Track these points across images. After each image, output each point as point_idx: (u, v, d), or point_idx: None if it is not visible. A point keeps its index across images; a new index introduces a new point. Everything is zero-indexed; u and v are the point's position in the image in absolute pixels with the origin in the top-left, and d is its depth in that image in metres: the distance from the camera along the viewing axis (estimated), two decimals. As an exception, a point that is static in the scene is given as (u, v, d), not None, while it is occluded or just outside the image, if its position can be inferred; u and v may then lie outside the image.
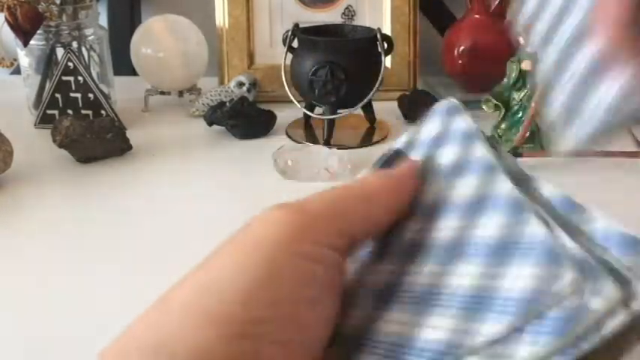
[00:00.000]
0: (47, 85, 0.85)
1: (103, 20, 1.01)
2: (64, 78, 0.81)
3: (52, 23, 0.84)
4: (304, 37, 0.79)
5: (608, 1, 0.32)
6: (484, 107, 0.78)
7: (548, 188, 0.28)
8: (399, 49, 0.93)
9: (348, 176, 0.70)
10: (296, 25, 0.81)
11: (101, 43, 0.89)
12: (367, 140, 0.82)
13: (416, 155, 0.32)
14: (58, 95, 0.82)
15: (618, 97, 0.33)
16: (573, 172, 0.72)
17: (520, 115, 0.76)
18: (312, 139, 0.81)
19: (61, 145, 0.72)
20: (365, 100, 0.78)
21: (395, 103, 0.89)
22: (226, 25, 0.94)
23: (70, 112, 0.82)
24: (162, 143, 0.80)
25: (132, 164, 0.74)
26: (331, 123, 0.80)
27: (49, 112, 0.83)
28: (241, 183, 0.71)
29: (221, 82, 0.95)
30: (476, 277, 0.25)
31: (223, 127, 0.81)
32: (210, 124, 0.81)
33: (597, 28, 0.33)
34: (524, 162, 0.73)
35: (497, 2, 0.93)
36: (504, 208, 0.26)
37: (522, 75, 0.75)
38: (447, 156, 0.30)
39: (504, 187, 0.27)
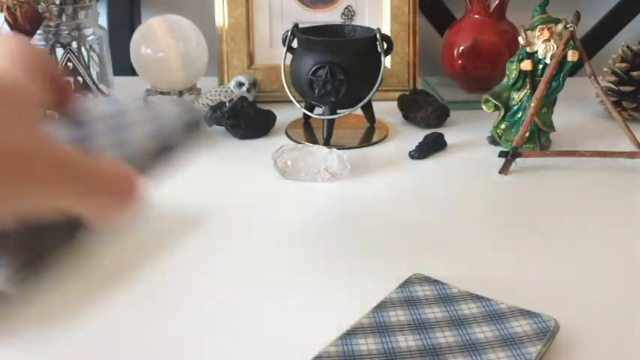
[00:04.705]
0: (47, 85, 0.85)
1: (103, 20, 1.01)
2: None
3: (52, 23, 0.84)
4: (304, 37, 0.79)
5: None
6: (484, 107, 0.78)
7: None
8: (399, 49, 0.93)
9: (348, 176, 0.70)
10: (296, 25, 0.81)
11: (101, 43, 0.89)
12: (367, 140, 0.82)
13: None
14: (57, 95, 0.82)
15: None
16: (573, 172, 0.72)
17: (520, 115, 0.76)
18: (311, 139, 0.81)
19: (60, 145, 0.72)
20: (365, 100, 0.78)
21: (395, 103, 0.89)
22: (226, 25, 0.94)
23: (69, 112, 0.82)
24: (162, 143, 0.79)
25: (132, 164, 0.74)
26: (331, 123, 0.80)
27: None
28: (241, 183, 0.71)
29: (221, 82, 0.95)
30: None
31: (223, 127, 0.81)
32: (210, 124, 0.81)
33: None
34: (525, 162, 0.73)
35: (497, 2, 0.93)
36: None
37: (522, 75, 0.75)
38: None
39: None
